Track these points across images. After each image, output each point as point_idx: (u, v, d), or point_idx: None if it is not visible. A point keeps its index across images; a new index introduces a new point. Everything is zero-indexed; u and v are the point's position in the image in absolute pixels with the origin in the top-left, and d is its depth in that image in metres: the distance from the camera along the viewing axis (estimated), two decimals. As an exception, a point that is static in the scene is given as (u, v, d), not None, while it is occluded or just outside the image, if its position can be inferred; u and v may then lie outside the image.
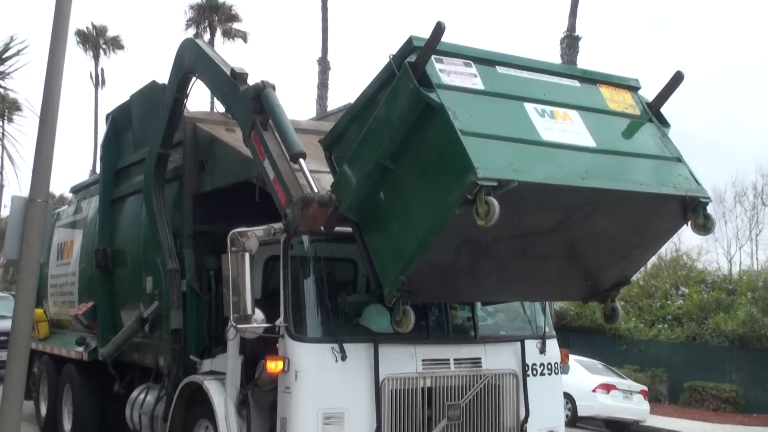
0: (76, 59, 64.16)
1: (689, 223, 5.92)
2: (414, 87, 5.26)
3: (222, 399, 6.97)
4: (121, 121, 10.06)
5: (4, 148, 7.79)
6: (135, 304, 9.21)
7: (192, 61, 7.87)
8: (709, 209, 6.02)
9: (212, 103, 24.16)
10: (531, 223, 5.60)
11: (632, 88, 6.43)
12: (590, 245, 6.02)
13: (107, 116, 10.63)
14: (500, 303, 7.27)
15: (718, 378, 19.81)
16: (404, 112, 5.41)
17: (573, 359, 14.29)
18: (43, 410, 11.58)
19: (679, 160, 6.09)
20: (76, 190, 12.03)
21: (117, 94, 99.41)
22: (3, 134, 7.89)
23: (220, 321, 7.47)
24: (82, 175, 16.30)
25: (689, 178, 5.99)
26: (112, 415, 9.83)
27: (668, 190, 5.83)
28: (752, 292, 19.90)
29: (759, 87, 65.48)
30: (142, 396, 8.75)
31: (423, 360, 6.63)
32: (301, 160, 6.22)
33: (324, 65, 33.34)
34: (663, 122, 6.31)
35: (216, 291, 7.69)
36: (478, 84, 5.51)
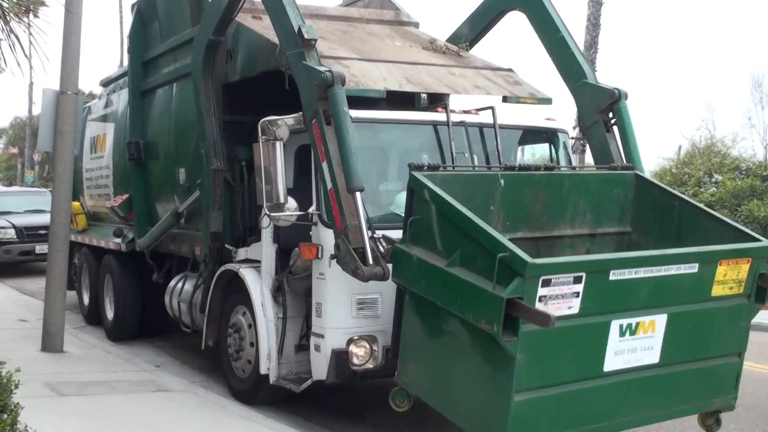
0: (99, -50, 62.88)
1: None
2: (496, 332, 4.63)
3: (258, 286, 7.14)
4: (147, 11, 9.92)
5: (30, 44, 7.72)
6: (169, 197, 9.34)
7: None
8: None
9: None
10: None
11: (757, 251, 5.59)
12: None
13: (133, 6, 10.51)
14: None
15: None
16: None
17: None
18: (86, 299, 11.95)
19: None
20: (105, 83, 12.01)
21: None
22: (30, 31, 7.82)
23: (254, 211, 7.56)
24: (110, 71, 16.27)
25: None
26: (152, 302, 10.12)
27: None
28: (787, 179, 19.62)
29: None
30: (180, 285, 8.98)
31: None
32: (358, 194, 5.89)
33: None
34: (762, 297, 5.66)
35: (248, 181, 7.74)
36: (574, 307, 4.81)
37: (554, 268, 4.75)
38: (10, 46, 7.72)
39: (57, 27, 9.28)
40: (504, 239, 4.77)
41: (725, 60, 56.73)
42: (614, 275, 4.93)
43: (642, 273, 5.04)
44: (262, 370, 6.95)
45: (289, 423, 6.87)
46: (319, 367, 6.50)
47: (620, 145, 7.03)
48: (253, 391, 7.34)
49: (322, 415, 7.36)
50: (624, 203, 6.48)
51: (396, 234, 6.20)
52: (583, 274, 4.76)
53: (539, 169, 6.30)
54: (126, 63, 10.98)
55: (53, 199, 9.46)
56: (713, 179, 21.49)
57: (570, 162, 7.91)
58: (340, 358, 6.36)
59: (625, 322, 5.08)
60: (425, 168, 5.57)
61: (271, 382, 6.94)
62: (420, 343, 5.45)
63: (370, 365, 6.44)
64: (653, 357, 5.29)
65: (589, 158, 11.36)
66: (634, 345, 5.16)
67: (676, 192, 6.34)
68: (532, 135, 7.94)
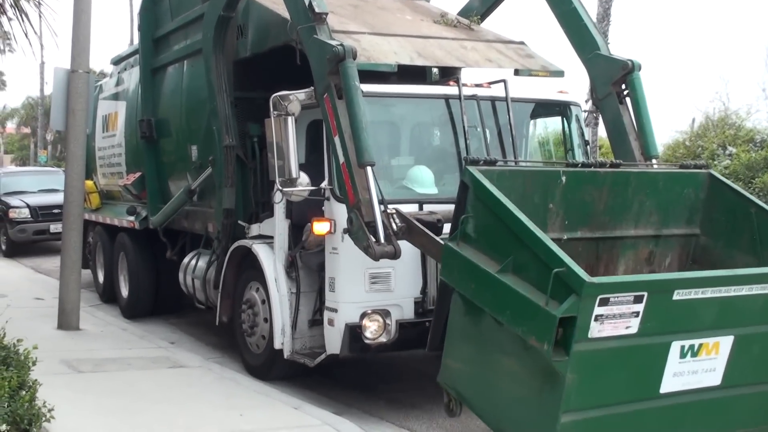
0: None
1: None
2: (546, 350, 4.35)
3: (271, 261, 7.16)
4: (156, -12, 9.90)
5: (41, 23, 7.72)
6: (182, 174, 9.35)
7: None
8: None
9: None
10: None
11: None
12: None
13: (142, -17, 10.48)
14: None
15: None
16: None
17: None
18: (101, 277, 12.03)
19: None
20: (116, 61, 12.01)
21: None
22: (40, 11, 7.82)
23: (266, 187, 7.57)
24: (121, 49, 16.24)
25: None
26: (166, 280, 10.18)
27: None
28: (802, 151, 19.44)
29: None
30: (193, 261, 9.01)
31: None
32: (369, 168, 5.88)
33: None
34: None
35: (260, 157, 7.74)
36: (632, 327, 4.48)
37: (613, 287, 4.43)
38: (20, 25, 7.72)
39: (67, 6, 9.29)
40: (562, 253, 4.45)
41: (739, 31, 56.13)
42: (678, 295, 4.59)
43: (709, 293, 4.68)
44: (276, 345, 6.99)
45: (303, 397, 6.92)
46: (333, 342, 6.53)
47: (633, 117, 6.98)
48: (267, 366, 7.39)
49: (336, 390, 7.41)
50: (694, 204, 6.11)
51: (408, 208, 6.22)
52: (645, 294, 4.44)
53: (604, 165, 5.94)
54: (137, 41, 10.98)
55: (66, 178, 9.50)
56: (727, 152, 21.31)
57: (582, 135, 7.86)
58: (354, 332, 6.39)
59: (687, 343, 4.74)
60: (481, 162, 5.26)
61: (285, 356, 6.98)
62: (466, 346, 5.20)
63: (383, 339, 6.47)
64: (715, 379, 4.95)
65: (602, 131, 11.30)
66: (695, 367, 4.84)
67: (753, 198, 5.93)
68: (544, 108, 7.89)
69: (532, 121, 7.95)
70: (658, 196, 6.03)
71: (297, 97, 6.43)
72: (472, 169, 5.13)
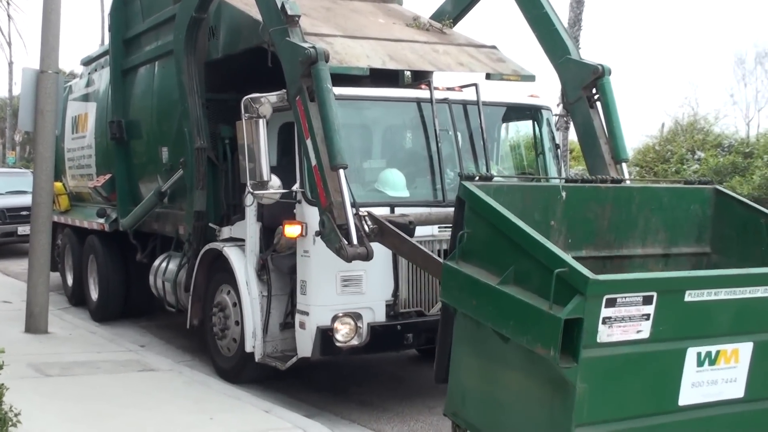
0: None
1: None
2: (553, 357, 4.11)
3: (242, 264, 7.14)
4: (127, -11, 9.82)
5: (9, 20, 7.64)
6: (152, 176, 9.29)
7: None
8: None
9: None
10: None
11: None
12: None
13: (113, -16, 10.39)
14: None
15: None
16: None
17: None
18: (70, 280, 11.90)
19: None
20: (86, 62, 11.89)
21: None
22: (8, 10, 7.72)
23: (238, 189, 7.54)
24: (91, 50, 16.02)
25: None
26: (136, 283, 10.10)
27: None
28: (769, 155, 19.73)
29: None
30: (164, 264, 8.95)
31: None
32: (342, 171, 5.88)
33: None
34: None
35: (232, 160, 7.71)
36: (643, 331, 4.25)
37: (620, 285, 4.21)
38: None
39: (36, 5, 9.19)
40: (562, 253, 4.28)
41: (708, 37, 56.89)
42: (690, 296, 4.35)
43: (723, 294, 4.45)
44: (248, 348, 6.96)
45: (274, 400, 6.89)
46: (305, 345, 6.52)
47: (603, 121, 7.05)
48: (238, 370, 7.36)
49: (308, 392, 7.39)
50: (702, 221, 5.88)
51: (380, 211, 6.23)
52: (654, 294, 4.21)
53: (605, 181, 5.78)
54: (107, 41, 10.88)
55: (35, 180, 9.39)
56: (696, 156, 21.60)
57: (553, 139, 7.93)
58: (325, 335, 6.38)
59: (703, 350, 4.49)
60: (477, 178, 5.10)
61: (256, 360, 6.95)
62: (471, 371, 4.94)
63: (354, 342, 6.47)
64: (737, 391, 4.66)
65: (573, 135, 11.39)
66: (714, 377, 4.57)
67: (761, 208, 5.67)
68: (515, 112, 7.95)
69: (503, 125, 8.01)
70: (664, 213, 5.83)
71: (269, 99, 6.42)
72: (467, 183, 4.94)
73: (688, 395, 4.51)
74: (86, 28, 74.59)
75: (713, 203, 5.91)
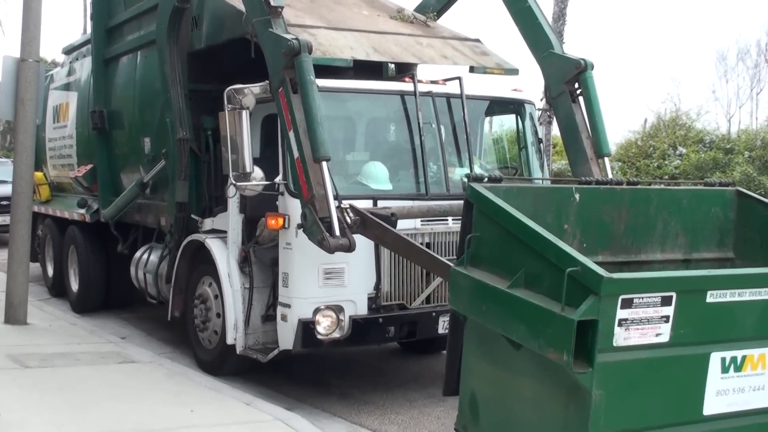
0: None
1: None
2: (566, 362, 3.89)
3: (224, 256, 7.12)
4: (110, -23, 9.73)
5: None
6: (134, 167, 9.23)
7: None
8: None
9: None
10: None
11: None
12: None
13: (95, -28, 10.29)
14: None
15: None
16: None
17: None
18: (50, 271, 11.81)
19: None
20: (68, 51, 11.79)
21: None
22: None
23: (220, 181, 7.51)
24: (73, 38, 15.80)
25: None
26: (117, 274, 10.04)
27: None
28: (749, 152, 19.87)
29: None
30: (145, 256, 8.91)
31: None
32: (324, 163, 5.87)
33: None
34: None
35: (214, 151, 7.67)
36: (663, 334, 4.04)
37: (636, 284, 4.01)
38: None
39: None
40: (574, 252, 4.08)
41: (691, 34, 57.19)
42: (712, 297, 4.14)
43: (747, 295, 4.23)
44: (229, 341, 6.94)
45: (255, 393, 6.88)
46: (286, 337, 6.51)
47: (586, 116, 7.08)
48: (219, 362, 7.34)
49: (289, 385, 7.39)
50: (724, 224, 5.66)
51: (362, 204, 6.22)
52: (673, 295, 4.01)
53: (621, 183, 5.53)
54: (89, 30, 10.79)
55: (15, 170, 9.31)
56: (678, 152, 21.75)
57: (536, 133, 7.95)
58: (307, 327, 6.38)
59: (728, 355, 4.27)
60: (485, 179, 4.90)
61: (237, 352, 6.93)
62: (482, 381, 4.73)
63: (336, 335, 6.47)
64: (766, 399, 4.44)
65: (556, 130, 11.43)
66: (741, 384, 4.35)
67: None
68: (498, 106, 7.96)
69: (486, 119, 8.02)
70: (683, 216, 5.60)
71: (252, 90, 6.39)
72: (476, 185, 4.73)
73: (713, 404, 4.28)
74: (68, 16, 73.90)
75: (735, 206, 5.67)
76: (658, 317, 3.99)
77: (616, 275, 3.93)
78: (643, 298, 3.94)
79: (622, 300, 3.87)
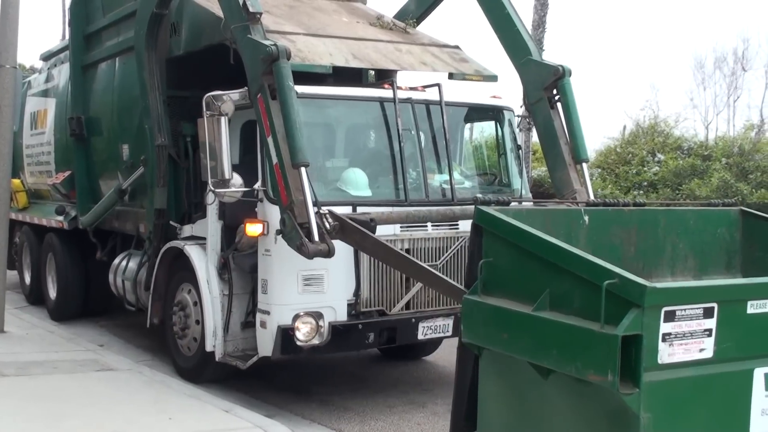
0: None
1: None
2: (611, 383, 3.59)
3: (203, 263, 7.09)
4: (88, -17, 9.69)
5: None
6: (113, 173, 9.18)
7: None
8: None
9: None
10: None
11: None
12: None
13: (74, -22, 10.24)
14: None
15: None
16: None
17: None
18: (27, 279, 11.71)
19: None
20: (46, 57, 11.73)
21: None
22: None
23: (199, 187, 7.48)
24: (51, 44, 15.71)
25: None
26: (96, 281, 9.97)
27: None
28: (727, 158, 20.05)
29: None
30: (124, 263, 8.85)
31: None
32: (303, 169, 5.87)
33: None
34: None
35: (193, 157, 7.65)
36: (707, 349, 3.81)
37: (679, 294, 3.78)
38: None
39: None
40: (609, 264, 3.81)
41: (669, 41, 57.68)
42: (753, 308, 3.93)
43: None
44: (208, 348, 6.91)
45: (235, 400, 6.85)
46: (265, 344, 6.49)
47: (564, 122, 7.12)
48: (199, 369, 7.31)
49: (268, 392, 7.36)
50: (731, 245, 5.52)
51: (342, 210, 6.23)
52: (715, 306, 3.78)
53: (627, 204, 5.36)
54: (68, 36, 10.73)
55: (-8, 176, 9.22)
56: (656, 158, 21.90)
57: (515, 140, 7.99)
58: (286, 334, 6.37)
59: None
60: (492, 203, 4.67)
61: (217, 359, 6.90)
62: (503, 417, 4.40)
63: (315, 341, 6.46)
64: None
65: (535, 137, 11.49)
66: None
67: None
68: (478, 112, 8.00)
69: (466, 125, 8.05)
70: (691, 238, 5.45)
71: (230, 97, 6.38)
72: (485, 208, 4.50)
73: (760, 424, 4.04)
74: (47, 22, 73.40)
75: (741, 225, 5.55)
76: (701, 331, 3.78)
77: (659, 284, 3.69)
78: (685, 310, 3.72)
79: (665, 312, 3.64)
